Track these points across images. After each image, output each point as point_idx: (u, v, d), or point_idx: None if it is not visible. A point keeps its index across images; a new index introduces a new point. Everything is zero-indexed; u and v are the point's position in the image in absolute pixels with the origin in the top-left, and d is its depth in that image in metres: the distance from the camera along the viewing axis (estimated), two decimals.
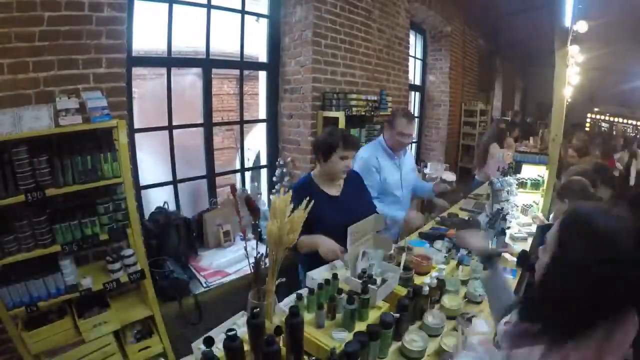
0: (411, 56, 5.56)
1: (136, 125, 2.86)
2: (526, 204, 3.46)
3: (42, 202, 1.95)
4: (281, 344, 1.29)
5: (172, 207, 3.08)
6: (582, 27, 3.14)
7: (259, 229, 1.86)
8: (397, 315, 1.55)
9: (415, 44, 6.05)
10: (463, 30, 6.77)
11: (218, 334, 1.36)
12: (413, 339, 1.56)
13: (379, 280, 1.72)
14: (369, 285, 1.59)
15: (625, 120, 9.92)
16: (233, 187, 1.61)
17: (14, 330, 1.99)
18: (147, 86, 3.76)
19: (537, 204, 3.50)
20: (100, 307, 2.24)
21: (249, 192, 3.69)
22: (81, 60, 2.20)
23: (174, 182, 3.22)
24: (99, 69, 2.28)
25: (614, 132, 9.41)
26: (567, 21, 3.03)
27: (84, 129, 2.04)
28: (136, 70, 2.85)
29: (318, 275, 1.82)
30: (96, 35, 2.24)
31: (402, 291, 1.78)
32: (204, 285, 2.79)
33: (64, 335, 2.13)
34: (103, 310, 2.23)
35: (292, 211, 1.27)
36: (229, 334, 1.11)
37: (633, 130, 9.59)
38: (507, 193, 3.31)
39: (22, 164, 1.85)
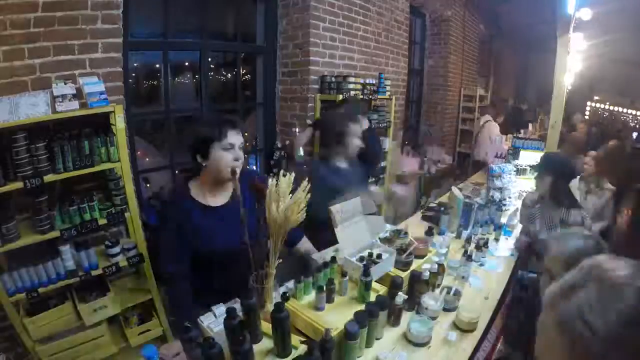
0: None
1: None
2: (523, 190, 3.47)
3: (41, 188, 1.96)
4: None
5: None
6: (585, 14, 3.10)
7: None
8: (406, 296, 1.58)
9: (414, 27, 5.96)
10: (463, 14, 6.67)
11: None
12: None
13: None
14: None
15: (625, 110, 9.81)
16: (233, 171, 1.55)
17: (15, 316, 2.03)
18: None
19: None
20: (100, 292, 2.27)
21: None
22: (77, 46, 2.18)
23: (171, 166, 3.23)
24: (95, 54, 2.26)
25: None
26: (570, 8, 3.00)
27: (81, 114, 2.03)
28: None
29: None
30: (92, 20, 2.21)
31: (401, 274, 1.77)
32: None
33: (64, 321, 2.17)
34: (103, 294, 2.25)
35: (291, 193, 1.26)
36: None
37: (632, 120, 9.49)
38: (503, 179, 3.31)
39: (20, 151, 1.86)
